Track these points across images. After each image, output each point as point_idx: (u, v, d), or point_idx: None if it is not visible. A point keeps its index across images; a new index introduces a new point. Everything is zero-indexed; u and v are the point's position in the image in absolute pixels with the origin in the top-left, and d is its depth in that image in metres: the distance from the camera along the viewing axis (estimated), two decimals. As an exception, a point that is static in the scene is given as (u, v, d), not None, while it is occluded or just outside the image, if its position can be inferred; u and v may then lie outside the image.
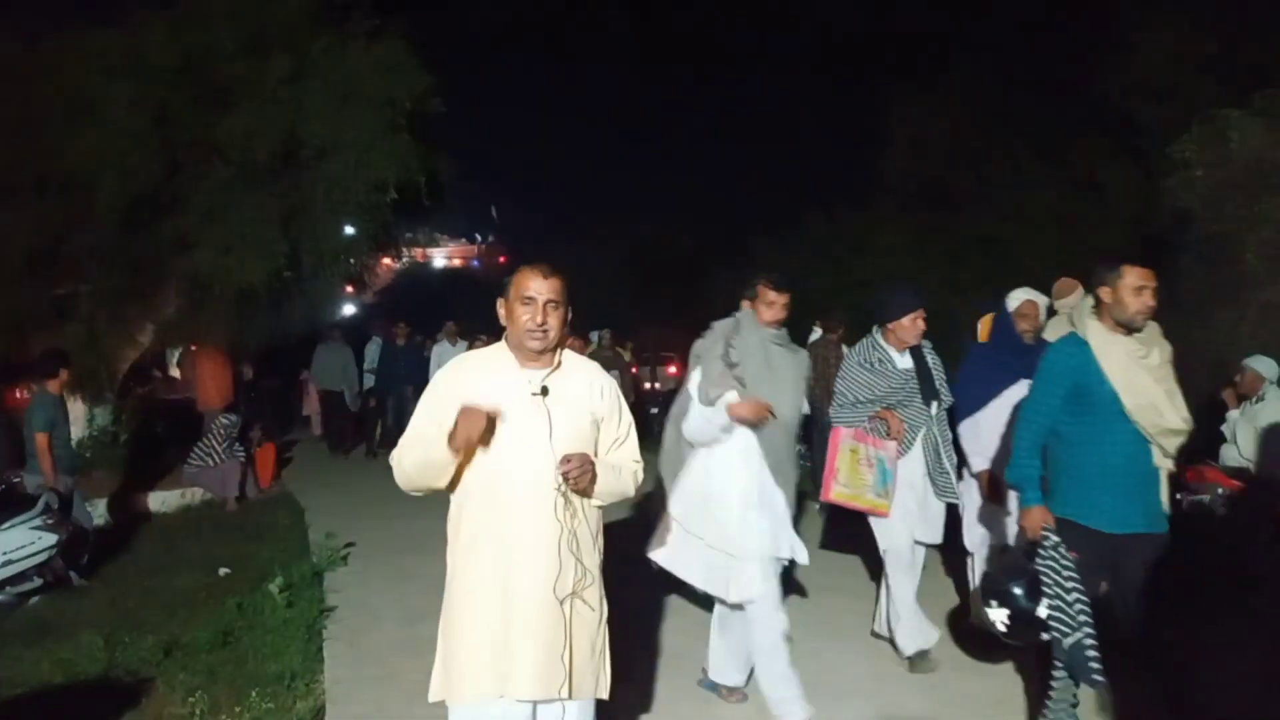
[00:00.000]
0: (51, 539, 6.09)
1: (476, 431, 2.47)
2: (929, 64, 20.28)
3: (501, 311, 2.72)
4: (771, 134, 42.80)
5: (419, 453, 2.61)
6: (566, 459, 2.53)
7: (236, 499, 9.23)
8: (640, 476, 2.85)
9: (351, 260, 10.22)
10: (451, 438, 2.48)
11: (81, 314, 9.17)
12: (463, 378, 2.70)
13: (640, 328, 20.68)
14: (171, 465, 10.05)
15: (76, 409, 8.97)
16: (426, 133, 9.88)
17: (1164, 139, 10.95)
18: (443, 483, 2.64)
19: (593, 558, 2.71)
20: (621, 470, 2.76)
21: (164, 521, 8.66)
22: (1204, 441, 6.81)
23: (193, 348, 11.72)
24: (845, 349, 8.58)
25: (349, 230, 9.76)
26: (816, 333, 9.23)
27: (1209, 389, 7.86)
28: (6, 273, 8.50)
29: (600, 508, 2.77)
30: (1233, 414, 6.98)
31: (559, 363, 2.73)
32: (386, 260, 16.25)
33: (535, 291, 2.62)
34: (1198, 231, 10.25)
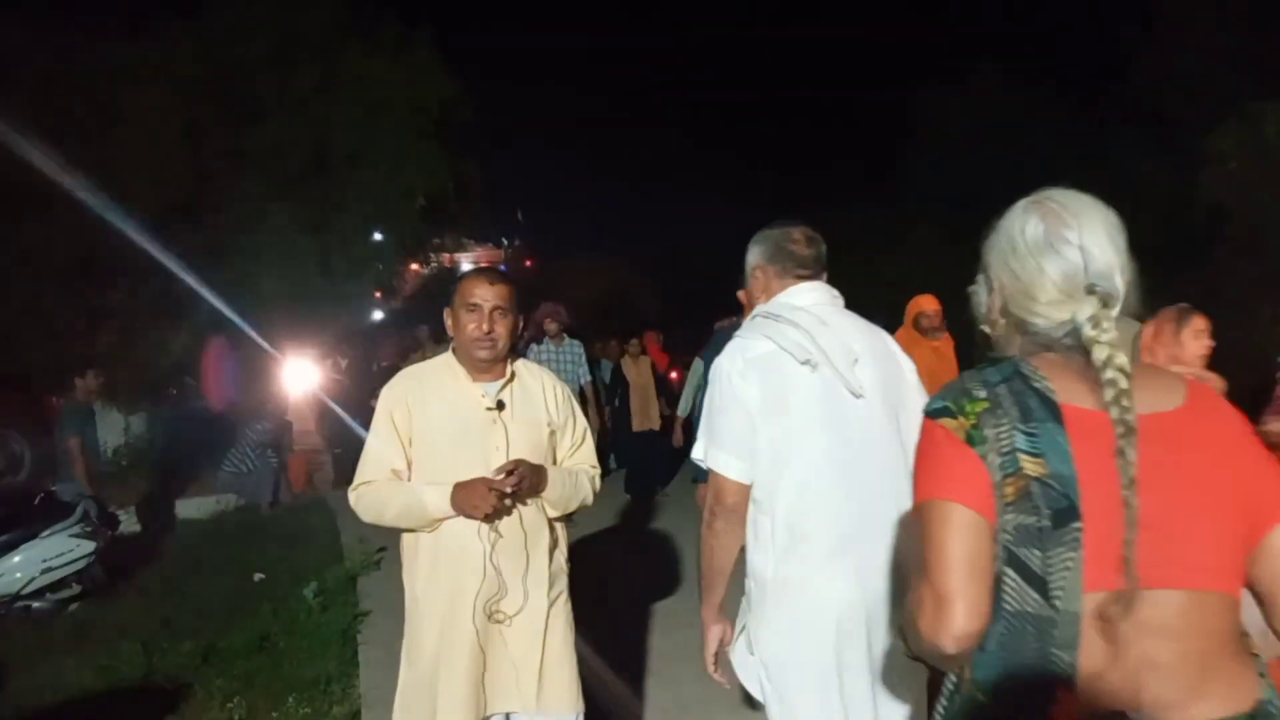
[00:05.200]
0: (89, 546, 6.16)
1: (480, 507, 2.35)
2: (958, 60, 20.17)
3: (448, 321, 2.57)
4: (798, 132, 42.77)
5: (406, 503, 2.47)
6: (505, 469, 2.40)
7: (270, 504, 9.31)
8: (598, 482, 2.76)
9: (380, 266, 10.28)
10: (454, 503, 2.38)
11: (115, 323, 9.27)
12: (414, 394, 2.55)
13: (669, 330, 20.64)
14: (205, 471, 10.13)
15: (112, 417, 9.07)
16: (454, 139, 9.91)
17: (1197, 133, 10.80)
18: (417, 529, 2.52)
19: (558, 569, 2.63)
20: (579, 475, 2.68)
21: (199, 527, 8.72)
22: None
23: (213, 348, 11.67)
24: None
25: (378, 237, 9.82)
26: None
27: (1249, 387, 7.72)
28: (42, 282, 8.62)
29: (563, 518, 2.69)
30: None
31: (511, 373, 2.60)
32: (414, 265, 16.32)
33: (480, 298, 2.48)
34: (1234, 225, 10.09)
